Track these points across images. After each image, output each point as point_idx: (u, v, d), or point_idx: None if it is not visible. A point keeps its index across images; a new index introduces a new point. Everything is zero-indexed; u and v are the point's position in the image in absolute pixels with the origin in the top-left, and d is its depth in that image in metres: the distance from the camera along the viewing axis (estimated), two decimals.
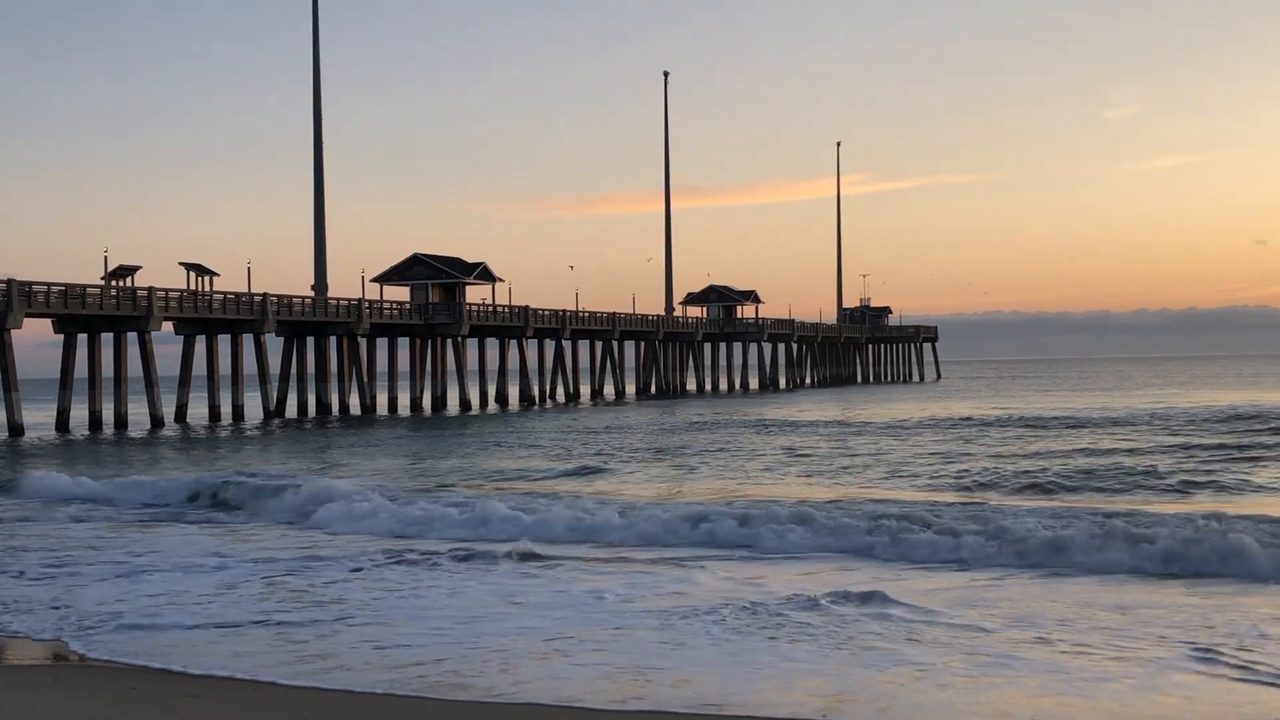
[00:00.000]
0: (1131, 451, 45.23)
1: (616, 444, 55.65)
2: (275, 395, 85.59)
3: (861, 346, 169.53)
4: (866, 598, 17.51)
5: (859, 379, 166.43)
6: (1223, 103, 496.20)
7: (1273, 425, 56.17)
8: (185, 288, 78.66)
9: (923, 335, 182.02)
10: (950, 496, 32.20)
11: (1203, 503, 29.58)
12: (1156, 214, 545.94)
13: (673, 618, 16.59)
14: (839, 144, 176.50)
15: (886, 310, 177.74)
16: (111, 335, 75.33)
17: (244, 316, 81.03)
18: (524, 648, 15.00)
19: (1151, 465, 39.17)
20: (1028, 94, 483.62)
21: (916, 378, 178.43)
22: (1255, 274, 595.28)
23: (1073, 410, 78.37)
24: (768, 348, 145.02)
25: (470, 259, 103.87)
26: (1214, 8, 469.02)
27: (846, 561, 21.80)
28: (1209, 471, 37.14)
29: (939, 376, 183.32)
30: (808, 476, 39.35)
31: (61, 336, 74.17)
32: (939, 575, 20.13)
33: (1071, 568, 20.33)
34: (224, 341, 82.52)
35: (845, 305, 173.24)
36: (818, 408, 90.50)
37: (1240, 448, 45.09)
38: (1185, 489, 32.97)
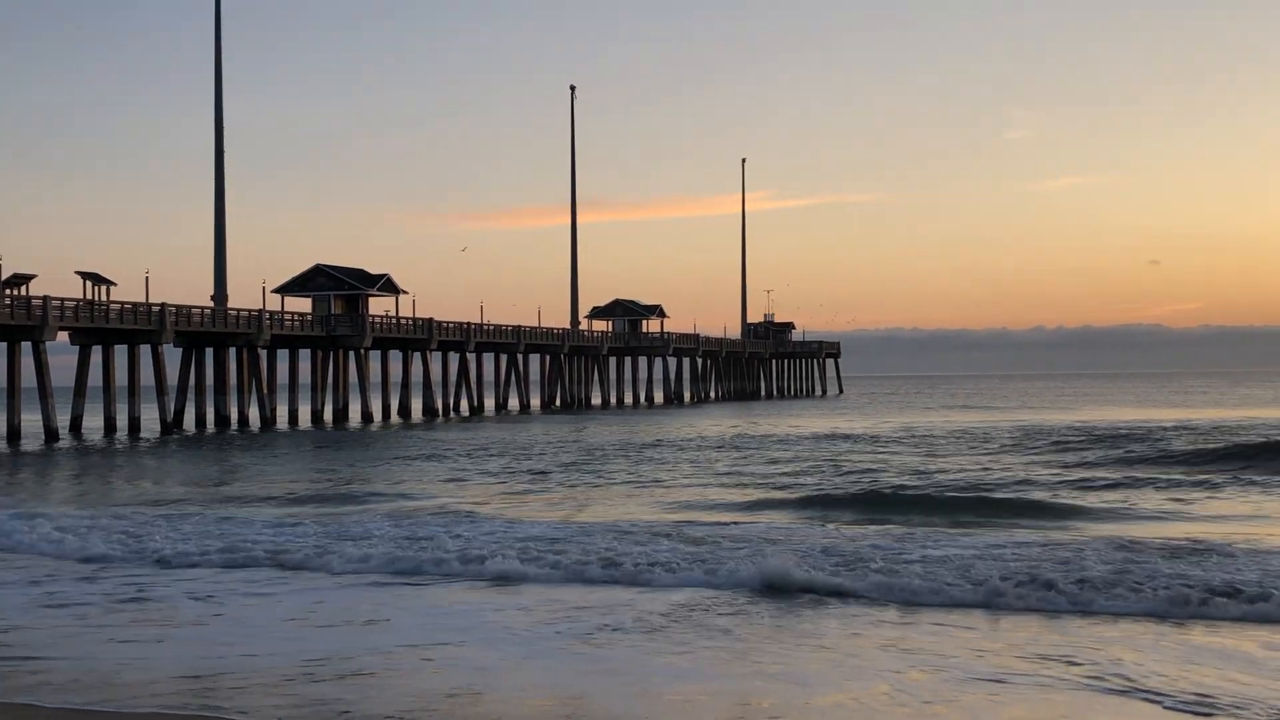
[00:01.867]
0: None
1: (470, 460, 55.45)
2: (173, 407, 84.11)
3: (766, 361, 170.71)
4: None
5: (763, 394, 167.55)
6: (1118, 125, 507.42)
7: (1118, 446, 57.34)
8: (81, 297, 77.02)
9: (825, 351, 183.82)
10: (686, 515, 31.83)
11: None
12: (1054, 234, 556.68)
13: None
14: (744, 161, 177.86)
15: (790, 326, 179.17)
16: (5, 345, 73.58)
17: (141, 327, 79.54)
18: None
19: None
20: (930, 115, 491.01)
21: (819, 392, 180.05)
22: (1149, 293, 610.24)
23: (962, 424, 79.58)
24: (673, 362, 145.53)
25: (374, 271, 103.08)
26: (1110, 34, 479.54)
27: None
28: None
29: (841, 391, 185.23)
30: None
31: None
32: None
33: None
34: (121, 352, 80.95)
35: (750, 320, 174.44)
36: (707, 421, 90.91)
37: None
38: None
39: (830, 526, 28.65)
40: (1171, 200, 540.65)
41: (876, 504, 34.32)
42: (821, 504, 34.59)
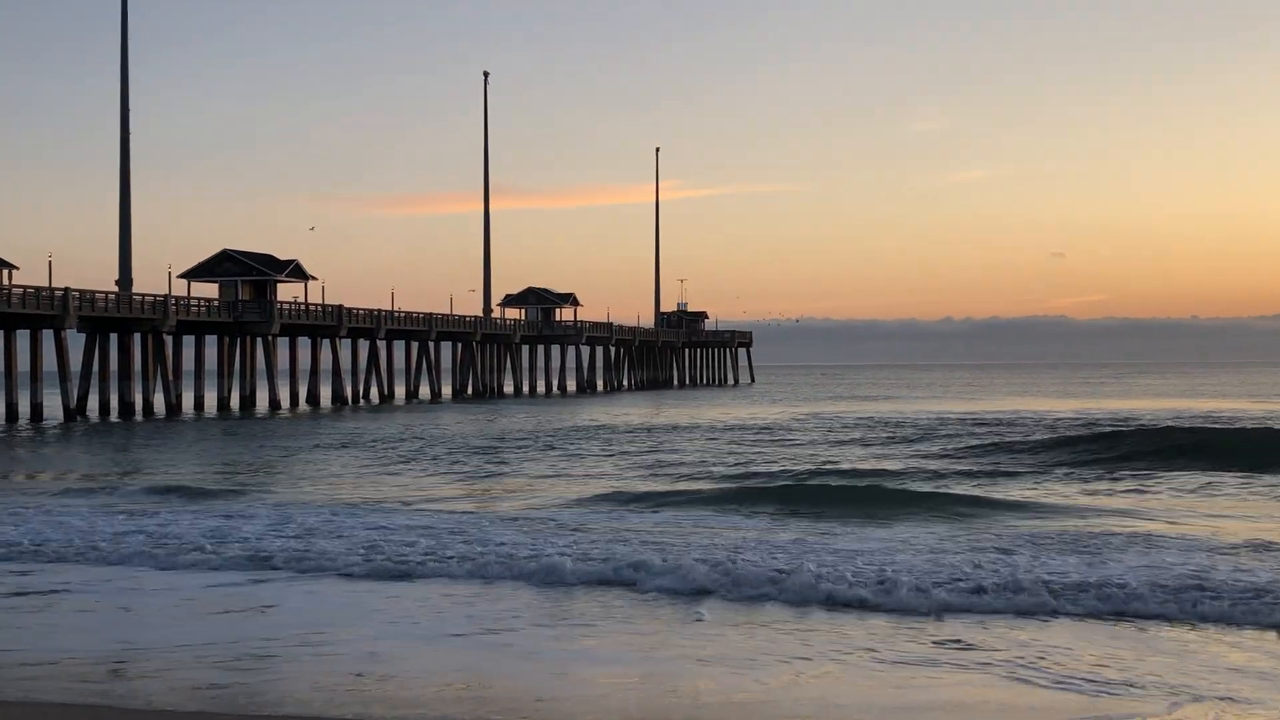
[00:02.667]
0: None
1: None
2: (76, 394, 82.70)
3: (679, 350, 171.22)
4: None
5: (676, 382, 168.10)
6: (1024, 120, 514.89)
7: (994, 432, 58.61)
8: None
9: (738, 340, 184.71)
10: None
11: None
12: (962, 226, 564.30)
13: None
14: (657, 150, 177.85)
15: (703, 315, 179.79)
16: None
17: (44, 311, 78.08)
18: None
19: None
20: (842, 107, 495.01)
21: (732, 381, 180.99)
22: (1053, 285, 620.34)
23: (863, 413, 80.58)
24: (586, 351, 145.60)
25: (283, 256, 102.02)
26: (1017, 29, 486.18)
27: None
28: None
29: (753, 380, 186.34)
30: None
31: None
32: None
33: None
34: (23, 337, 79.36)
35: (663, 309, 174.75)
36: (618, 410, 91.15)
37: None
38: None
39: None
40: (1075, 194, 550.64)
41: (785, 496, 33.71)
42: (691, 496, 33.90)
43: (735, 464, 44.93)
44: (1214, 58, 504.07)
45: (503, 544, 22.62)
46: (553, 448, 53.60)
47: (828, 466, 42.64)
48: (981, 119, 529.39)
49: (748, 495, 32.95)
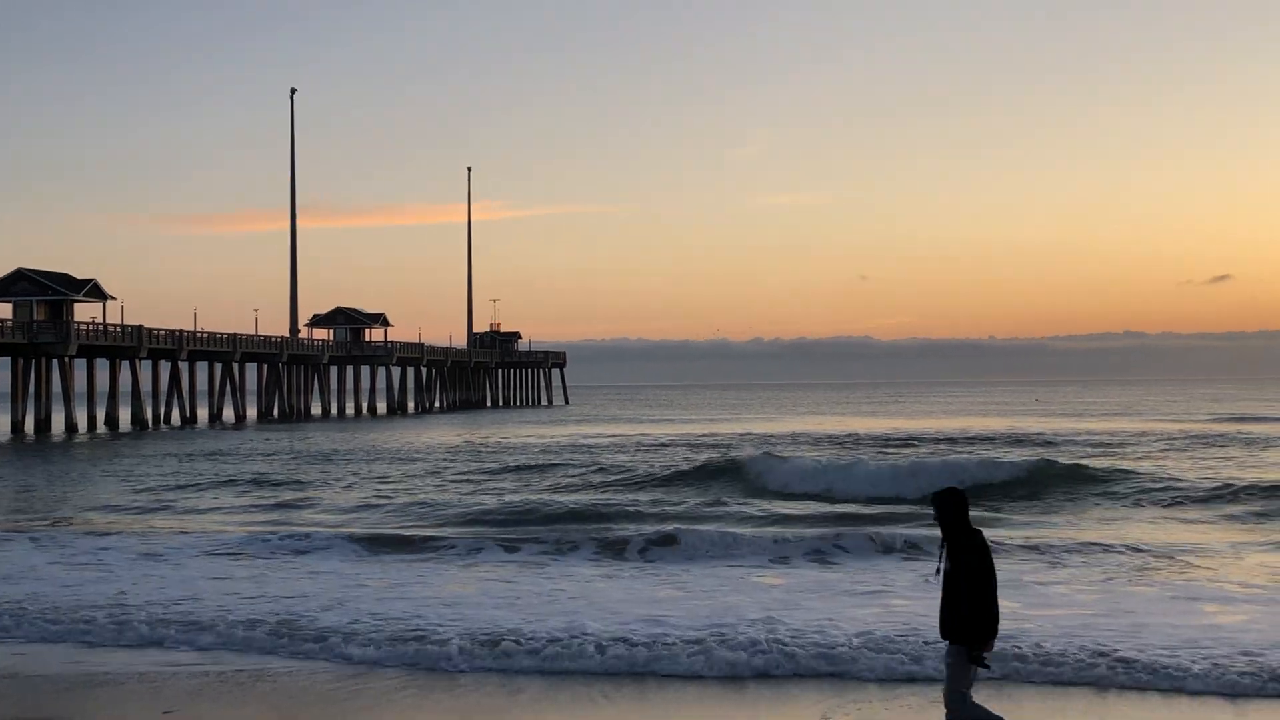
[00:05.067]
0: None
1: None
2: None
3: (491, 371, 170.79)
4: None
5: (489, 403, 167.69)
6: (835, 146, 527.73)
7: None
8: None
9: (551, 361, 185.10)
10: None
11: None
12: (774, 248, 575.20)
13: None
14: (469, 169, 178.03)
15: (516, 335, 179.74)
16: None
17: None
18: None
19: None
20: (659, 129, 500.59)
21: (545, 402, 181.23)
22: (858, 307, 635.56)
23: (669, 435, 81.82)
24: (396, 372, 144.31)
25: (81, 275, 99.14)
26: (829, 59, 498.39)
27: None
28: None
29: (567, 401, 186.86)
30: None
31: None
32: None
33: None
34: None
35: (476, 330, 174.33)
36: (426, 432, 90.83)
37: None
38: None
39: None
40: (880, 219, 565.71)
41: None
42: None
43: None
44: (1010, 86, 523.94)
45: None
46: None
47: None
48: (794, 145, 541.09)
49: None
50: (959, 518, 10.29)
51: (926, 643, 16.01)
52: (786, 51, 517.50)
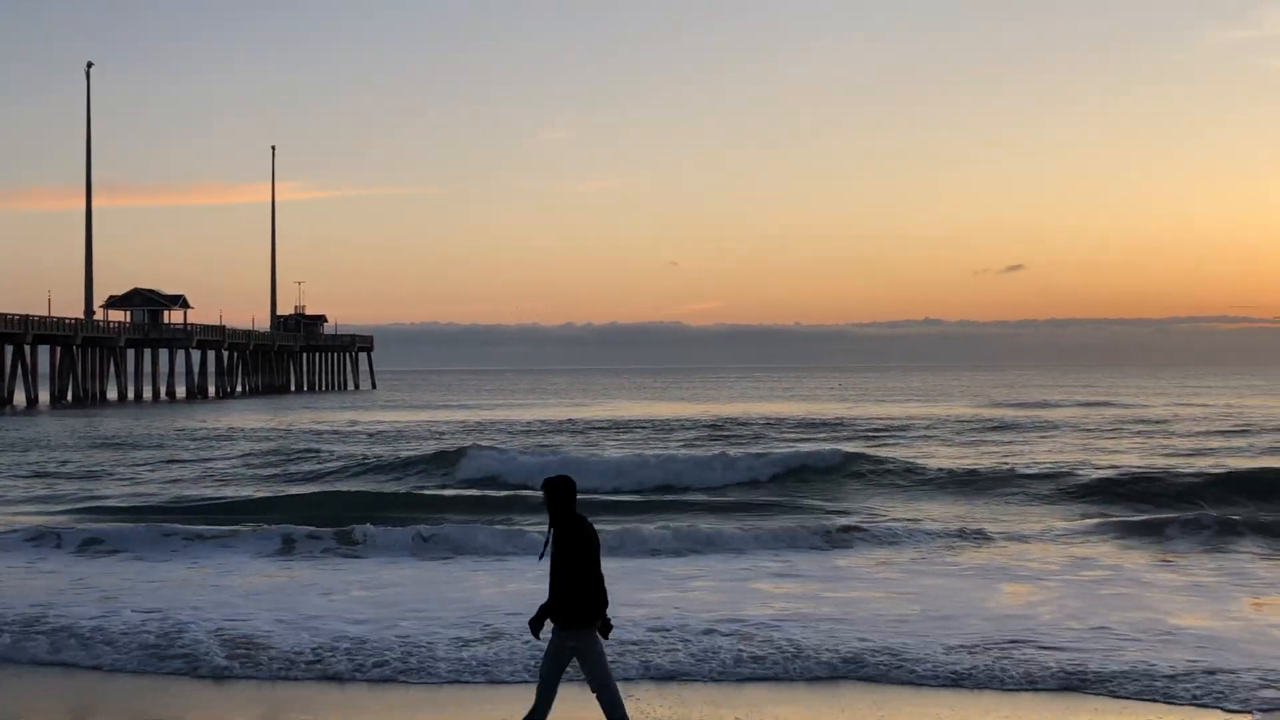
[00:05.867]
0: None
1: None
2: None
3: (296, 355, 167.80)
4: None
5: (293, 387, 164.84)
6: (645, 133, 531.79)
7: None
8: None
9: (358, 344, 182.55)
10: None
11: None
12: (586, 233, 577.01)
13: None
14: (274, 148, 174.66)
15: (322, 318, 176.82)
16: None
17: None
18: None
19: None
20: (469, 111, 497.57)
21: (352, 386, 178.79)
22: (668, 293, 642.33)
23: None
24: (197, 355, 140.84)
25: None
26: (641, 45, 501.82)
27: None
28: None
29: (374, 386, 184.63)
30: None
31: None
32: None
33: None
34: None
35: (280, 312, 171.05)
36: (229, 416, 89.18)
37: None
38: None
39: None
40: (689, 205, 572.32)
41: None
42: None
43: None
44: (816, 78, 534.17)
45: None
46: None
47: None
48: (605, 130, 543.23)
49: None
50: (566, 504, 10.55)
51: None
52: (597, 34, 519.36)
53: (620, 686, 10.90)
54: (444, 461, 45.68)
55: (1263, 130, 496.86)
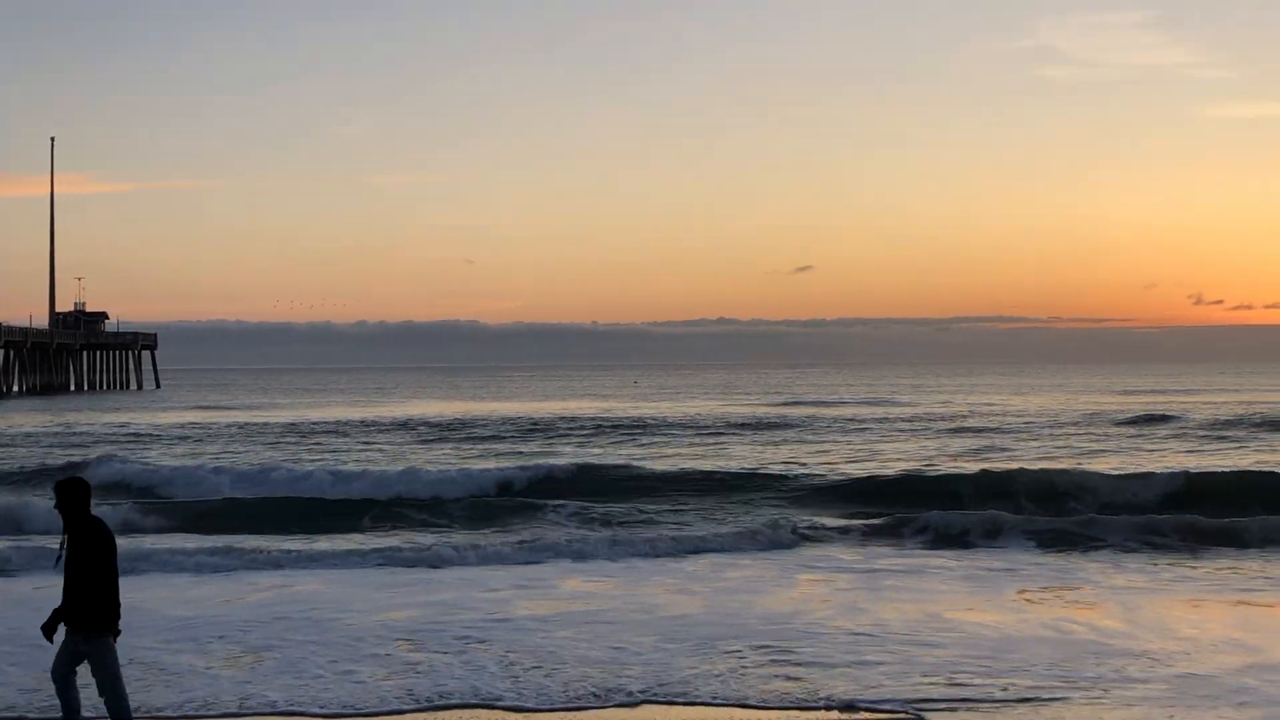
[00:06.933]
0: None
1: None
2: None
3: (76, 353, 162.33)
4: None
5: (73, 387, 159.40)
6: (442, 129, 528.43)
7: None
8: None
9: (141, 342, 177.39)
10: None
11: None
12: (385, 229, 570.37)
13: None
14: (53, 139, 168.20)
15: (103, 315, 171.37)
16: None
17: None
18: None
19: None
20: (261, 103, 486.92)
21: (135, 386, 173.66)
22: (466, 290, 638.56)
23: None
24: None
25: None
26: (447, 38, 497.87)
27: None
28: None
29: (158, 385, 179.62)
30: None
31: None
32: None
33: None
34: None
35: (59, 310, 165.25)
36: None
37: None
38: None
39: None
40: (486, 202, 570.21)
41: None
42: None
43: None
44: (616, 75, 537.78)
45: None
46: None
47: None
48: (402, 125, 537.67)
49: None
50: (80, 507, 10.41)
51: None
52: (395, 25, 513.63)
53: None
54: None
55: (1039, 140, 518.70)
